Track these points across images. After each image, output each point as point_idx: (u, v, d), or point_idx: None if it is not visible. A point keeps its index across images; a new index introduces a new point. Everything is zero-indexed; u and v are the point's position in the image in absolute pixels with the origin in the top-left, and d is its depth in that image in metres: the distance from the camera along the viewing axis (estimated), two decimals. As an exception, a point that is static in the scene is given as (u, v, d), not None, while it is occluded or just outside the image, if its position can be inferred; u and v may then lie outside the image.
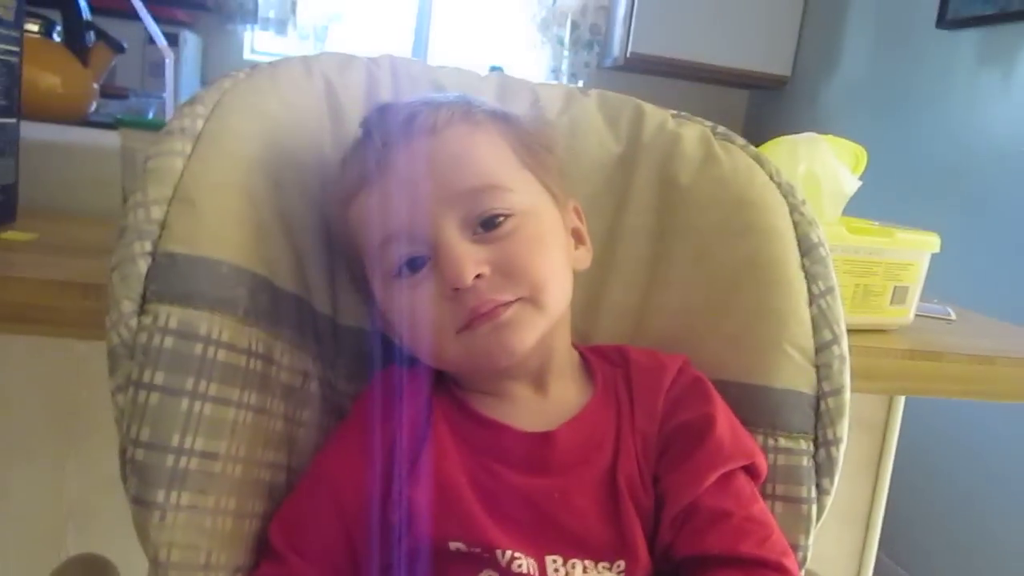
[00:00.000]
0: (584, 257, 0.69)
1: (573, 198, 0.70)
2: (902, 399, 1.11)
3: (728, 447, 0.60)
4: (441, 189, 0.59)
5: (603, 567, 0.56)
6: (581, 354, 0.68)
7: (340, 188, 0.64)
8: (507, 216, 0.59)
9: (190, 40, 2.86)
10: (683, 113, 0.78)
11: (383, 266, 0.61)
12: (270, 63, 0.68)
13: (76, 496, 0.96)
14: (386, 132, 0.61)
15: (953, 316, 1.04)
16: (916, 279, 0.90)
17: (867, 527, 1.14)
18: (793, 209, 0.70)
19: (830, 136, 0.88)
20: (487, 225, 0.59)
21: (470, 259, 0.57)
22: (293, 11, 3.12)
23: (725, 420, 0.62)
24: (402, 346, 0.64)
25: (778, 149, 0.87)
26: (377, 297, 0.63)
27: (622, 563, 0.57)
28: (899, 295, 0.89)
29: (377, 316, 0.66)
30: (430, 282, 0.59)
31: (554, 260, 0.62)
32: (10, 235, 0.83)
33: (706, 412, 0.62)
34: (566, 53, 3.34)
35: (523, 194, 0.61)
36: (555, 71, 3.36)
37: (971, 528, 2.05)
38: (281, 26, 3.12)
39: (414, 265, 0.59)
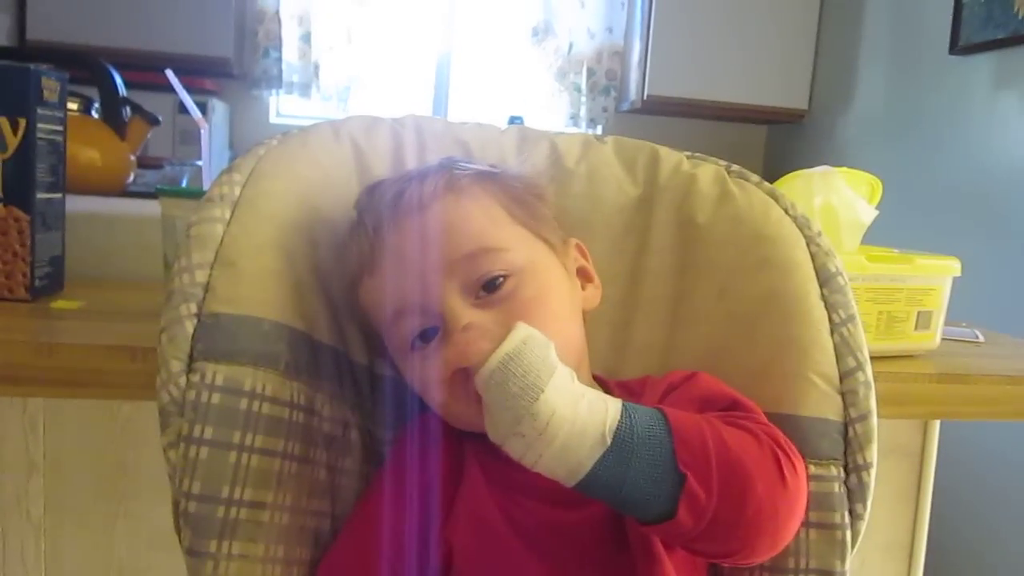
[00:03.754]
0: (593, 295, 0.71)
1: (573, 238, 0.71)
2: (937, 424, 1.10)
3: (707, 389, 0.64)
4: (438, 260, 0.61)
5: None
6: (607, 388, 0.69)
7: (346, 274, 0.67)
8: (506, 276, 0.61)
9: (218, 108, 2.95)
10: (697, 154, 0.81)
11: (397, 342, 0.63)
12: (301, 129, 0.72)
13: (126, 555, 0.98)
14: (376, 215, 0.64)
15: (981, 339, 1.04)
16: (939, 304, 0.91)
17: (911, 557, 1.13)
18: (810, 241, 0.72)
19: (844, 168, 0.90)
20: (488, 287, 0.61)
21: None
22: (316, 74, 3.21)
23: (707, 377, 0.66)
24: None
25: (794, 183, 0.89)
26: (399, 368, 0.66)
27: None
28: (923, 320, 0.90)
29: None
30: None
31: (557, 313, 0.63)
32: (59, 304, 0.87)
33: (688, 374, 0.66)
34: (583, 99, 3.39)
35: (518, 251, 0.63)
36: (573, 118, 3.42)
37: (1021, 556, 2.01)
38: (305, 89, 3.21)
39: (425, 336, 0.62)
